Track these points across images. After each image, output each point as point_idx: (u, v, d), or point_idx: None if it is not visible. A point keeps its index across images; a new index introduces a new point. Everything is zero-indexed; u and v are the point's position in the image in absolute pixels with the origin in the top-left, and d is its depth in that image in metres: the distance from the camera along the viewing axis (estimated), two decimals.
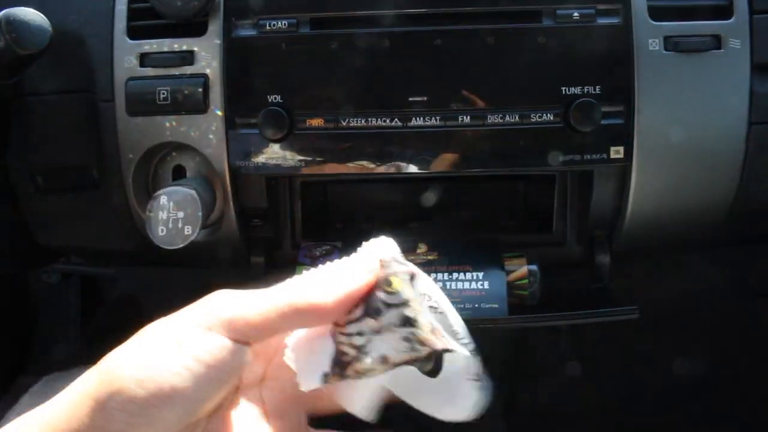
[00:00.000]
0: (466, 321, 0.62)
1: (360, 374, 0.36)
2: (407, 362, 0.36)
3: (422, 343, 0.36)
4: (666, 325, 1.27)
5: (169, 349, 0.34)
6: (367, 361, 0.36)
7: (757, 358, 1.23)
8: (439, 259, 0.68)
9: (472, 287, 0.65)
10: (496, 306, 0.64)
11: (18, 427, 0.34)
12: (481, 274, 0.66)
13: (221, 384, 0.34)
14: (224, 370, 0.34)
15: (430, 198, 0.76)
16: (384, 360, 0.36)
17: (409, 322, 0.36)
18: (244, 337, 0.35)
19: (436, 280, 0.65)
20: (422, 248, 0.69)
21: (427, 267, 0.67)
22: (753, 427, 1.20)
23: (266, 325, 0.35)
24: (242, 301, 0.35)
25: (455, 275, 0.66)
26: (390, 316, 0.36)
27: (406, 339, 0.36)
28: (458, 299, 0.65)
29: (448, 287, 0.65)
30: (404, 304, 0.36)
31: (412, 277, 0.38)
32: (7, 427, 0.34)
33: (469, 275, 0.66)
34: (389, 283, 0.37)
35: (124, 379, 0.32)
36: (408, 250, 0.68)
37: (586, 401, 1.26)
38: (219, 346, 0.34)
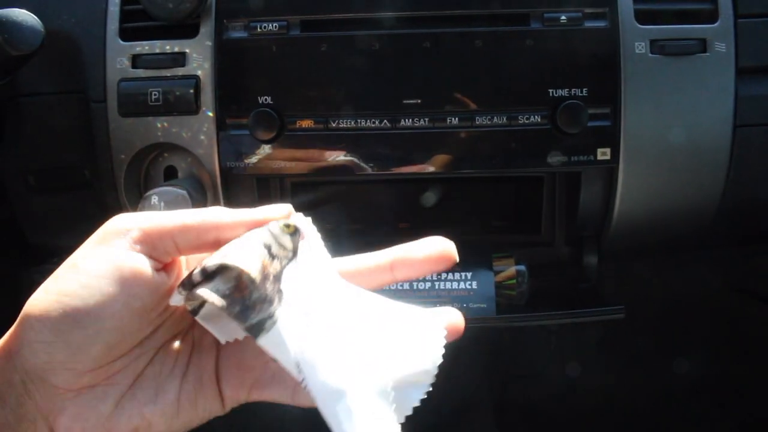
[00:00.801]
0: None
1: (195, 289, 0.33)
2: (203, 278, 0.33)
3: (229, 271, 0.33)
4: (658, 326, 1.28)
5: (67, 273, 0.33)
6: (196, 271, 0.34)
7: (748, 358, 1.24)
8: None
9: (460, 287, 0.66)
10: (484, 306, 0.65)
11: None
12: (469, 275, 0.66)
13: (128, 300, 0.33)
14: (128, 283, 0.33)
15: (419, 199, 0.76)
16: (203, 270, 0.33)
17: (257, 249, 0.34)
18: (145, 249, 0.34)
19: (424, 281, 0.66)
20: None
21: None
22: (745, 427, 1.21)
23: (164, 234, 0.34)
24: (143, 216, 0.35)
25: (444, 275, 0.66)
26: (251, 236, 0.34)
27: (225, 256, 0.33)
28: (447, 299, 0.65)
29: (436, 287, 0.66)
30: (274, 240, 0.35)
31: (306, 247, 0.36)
32: None
33: (457, 275, 0.66)
34: (287, 223, 0.36)
35: (35, 311, 0.32)
36: None
37: (577, 402, 1.26)
38: (115, 257, 0.33)
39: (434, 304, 0.64)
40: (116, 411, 0.35)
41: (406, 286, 0.66)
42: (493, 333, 1.15)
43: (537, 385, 1.28)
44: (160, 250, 0.34)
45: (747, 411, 1.22)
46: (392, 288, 0.65)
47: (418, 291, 0.66)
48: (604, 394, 1.25)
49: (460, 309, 0.63)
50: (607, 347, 1.25)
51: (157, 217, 0.35)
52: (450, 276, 0.67)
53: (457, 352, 1.11)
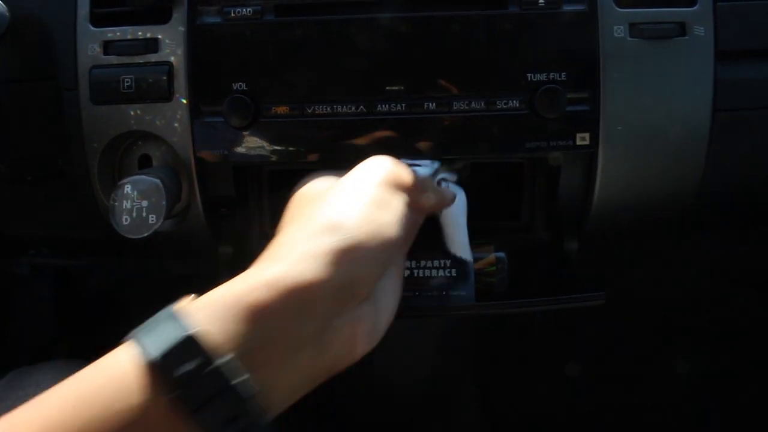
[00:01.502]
0: (434, 308, 0.63)
1: None
2: None
3: None
4: (641, 313, 1.28)
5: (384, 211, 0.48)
6: None
7: (734, 345, 1.25)
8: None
9: (440, 275, 0.65)
10: (464, 293, 0.64)
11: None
12: (448, 261, 0.66)
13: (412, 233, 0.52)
14: (413, 225, 0.51)
15: None
16: None
17: None
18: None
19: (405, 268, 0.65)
20: None
21: None
22: (738, 421, 1.22)
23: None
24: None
25: (423, 263, 0.66)
26: None
27: None
28: (426, 286, 0.65)
29: (415, 275, 0.65)
30: None
31: None
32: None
33: (437, 263, 0.66)
34: None
35: (361, 236, 0.45)
36: None
37: (561, 389, 1.27)
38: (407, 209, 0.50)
39: (413, 292, 0.63)
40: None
41: None
42: (475, 321, 1.14)
43: (521, 373, 1.28)
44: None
45: (736, 402, 1.23)
46: None
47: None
48: (585, 382, 1.26)
49: (440, 296, 0.63)
50: (588, 334, 1.26)
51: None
52: (429, 264, 0.66)
53: (440, 340, 1.12)
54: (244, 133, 0.64)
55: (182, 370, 0.38)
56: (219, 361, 0.39)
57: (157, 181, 0.62)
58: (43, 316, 1.17)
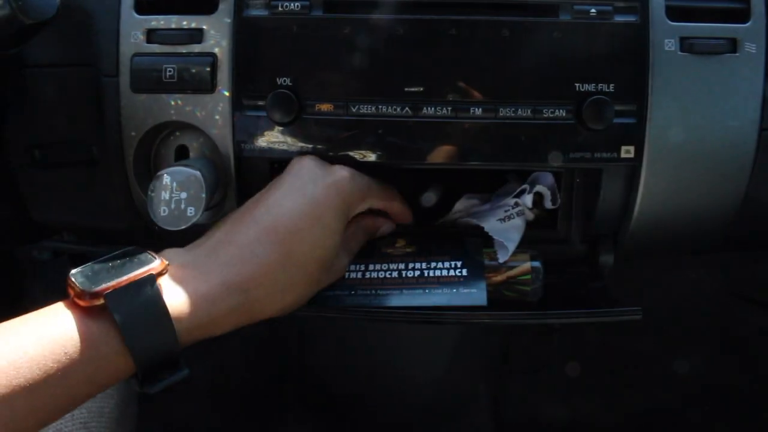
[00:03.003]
0: (448, 307, 0.63)
1: None
2: None
3: None
4: (656, 331, 1.27)
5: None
6: None
7: (745, 363, 1.24)
8: (417, 251, 0.68)
9: (450, 274, 0.65)
10: (474, 291, 0.64)
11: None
12: (459, 263, 0.66)
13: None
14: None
15: (434, 188, 0.75)
16: None
17: None
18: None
19: (414, 269, 0.65)
20: (401, 242, 0.69)
21: (406, 258, 0.67)
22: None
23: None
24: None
25: (433, 264, 0.66)
26: None
27: None
28: (436, 285, 0.64)
29: (426, 275, 0.65)
30: None
31: None
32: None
33: (447, 263, 0.66)
34: None
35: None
36: (386, 245, 0.69)
37: (576, 400, 1.26)
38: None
39: (423, 291, 0.63)
40: None
41: (395, 274, 0.66)
42: (497, 328, 1.14)
43: (536, 381, 1.27)
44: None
45: (744, 417, 1.22)
46: (381, 276, 0.66)
47: (407, 278, 0.65)
48: (602, 394, 1.25)
49: (450, 294, 0.63)
50: (606, 348, 1.25)
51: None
52: (440, 264, 0.66)
53: (457, 344, 1.11)
54: (286, 128, 0.63)
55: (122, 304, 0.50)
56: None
57: (197, 172, 0.61)
58: (57, 300, 1.16)
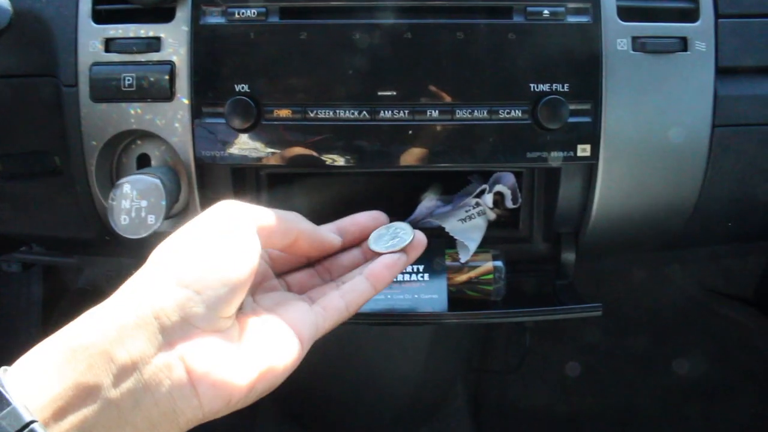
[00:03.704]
0: (409, 313, 0.63)
1: None
2: None
3: None
4: (631, 325, 1.29)
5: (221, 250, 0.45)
6: None
7: (720, 357, 1.26)
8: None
9: (412, 279, 0.66)
10: (435, 297, 0.65)
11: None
12: (421, 267, 0.66)
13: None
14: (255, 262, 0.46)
15: (395, 192, 0.76)
16: None
17: None
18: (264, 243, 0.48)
19: None
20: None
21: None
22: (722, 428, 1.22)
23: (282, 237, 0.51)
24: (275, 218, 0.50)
25: None
26: None
27: None
28: (398, 290, 0.65)
29: None
30: None
31: None
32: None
33: (409, 267, 0.66)
34: None
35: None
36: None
37: (550, 398, 1.27)
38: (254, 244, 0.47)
39: (385, 296, 0.64)
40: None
41: None
42: (468, 328, 1.14)
43: (511, 380, 1.28)
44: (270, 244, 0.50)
45: (725, 411, 1.24)
46: None
47: None
48: (579, 390, 1.26)
49: (411, 300, 0.64)
50: (580, 345, 1.26)
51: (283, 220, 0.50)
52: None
53: (433, 346, 1.11)
54: (245, 135, 0.64)
55: None
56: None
57: (157, 180, 0.61)
58: (30, 313, 1.16)
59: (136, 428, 0.40)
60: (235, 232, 0.46)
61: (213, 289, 0.43)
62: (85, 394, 0.39)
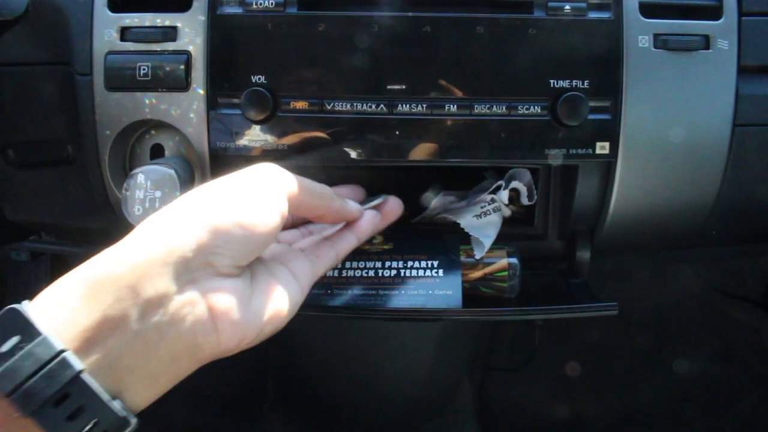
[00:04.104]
0: (423, 309, 0.63)
1: None
2: None
3: None
4: (640, 324, 1.28)
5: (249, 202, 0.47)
6: None
7: (729, 358, 1.25)
8: (395, 248, 0.68)
9: (426, 275, 0.65)
10: (450, 292, 0.64)
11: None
12: (435, 263, 0.66)
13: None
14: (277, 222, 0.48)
15: (409, 186, 0.75)
16: None
17: None
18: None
19: (390, 268, 0.66)
20: (378, 239, 0.69)
21: (382, 257, 0.67)
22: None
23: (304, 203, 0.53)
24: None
25: (410, 263, 0.66)
26: None
27: None
28: (412, 286, 0.65)
29: (402, 274, 0.65)
30: None
31: None
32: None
33: (423, 263, 0.66)
34: None
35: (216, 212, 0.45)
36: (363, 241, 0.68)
37: (558, 398, 1.26)
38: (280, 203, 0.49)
39: (399, 292, 0.63)
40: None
41: (371, 273, 0.66)
42: (476, 326, 1.14)
43: (516, 379, 1.27)
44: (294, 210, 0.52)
45: (730, 412, 1.23)
46: (357, 275, 0.66)
47: (383, 277, 0.65)
48: (586, 390, 1.26)
49: (426, 296, 0.63)
50: (586, 344, 1.26)
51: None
52: (416, 264, 0.66)
53: (440, 344, 1.11)
54: (261, 126, 0.63)
55: (19, 372, 0.38)
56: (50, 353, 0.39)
57: (171, 171, 0.60)
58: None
59: (161, 360, 0.42)
60: (267, 193, 0.48)
61: (238, 241, 0.45)
62: (113, 326, 0.40)
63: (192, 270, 0.43)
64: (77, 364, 0.39)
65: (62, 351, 0.39)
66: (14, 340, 0.39)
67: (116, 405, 0.40)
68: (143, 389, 0.42)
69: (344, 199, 0.59)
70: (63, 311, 0.40)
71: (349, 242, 0.60)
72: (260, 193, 0.48)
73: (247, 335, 0.46)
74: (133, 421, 0.41)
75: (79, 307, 0.40)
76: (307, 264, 0.54)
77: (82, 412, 0.39)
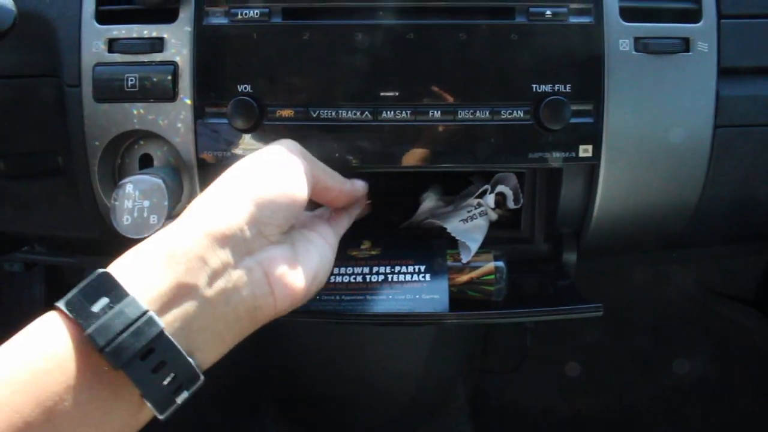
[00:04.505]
0: (410, 314, 0.63)
1: None
2: None
3: None
4: (632, 325, 1.29)
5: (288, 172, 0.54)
6: None
7: (721, 358, 1.26)
8: (382, 254, 0.69)
9: (413, 279, 0.66)
10: (437, 297, 0.65)
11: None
12: (422, 267, 0.66)
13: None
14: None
15: (396, 192, 0.76)
16: None
17: None
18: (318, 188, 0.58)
19: (378, 273, 0.67)
20: (366, 244, 0.70)
21: (370, 262, 0.68)
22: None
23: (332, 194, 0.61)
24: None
25: (397, 268, 0.67)
26: None
27: None
28: (399, 290, 0.65)
29: (389, 279, 0.66)
30: None
31: None
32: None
33: (411, 268, 0.67)
34: None
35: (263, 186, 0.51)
36: (352, 247, 0.69)
37: (551, 399, 1.27)
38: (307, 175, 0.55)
39: (387, 297, 0.64)
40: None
41: (359, 279, 0.67)
42: (469, 328, 1.15)
43: (511, 381, 1.28)
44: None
45: (725, 412, 1.24)
46: (345, 281, 0.67)
47: (371, 283, 0.66)
48: (577, 393, 1.26)
49: (413, 300, 0.64)
50: (580, 346, 1.26)
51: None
52: (403, 269, 0.67)
53: (434, 346, 1.11)
54: (248, 135, 0.64)
55: (111, 329, 0.43)
56: (135, 313, 0.43)
57: (159, 181, 0.61)
58: (32, 313, 1.16)
59: (227, 322, 0.48)
60: (298, 165, 0.54)
61: (281, 209, 0.51)
62: (185, 291, 0.46)
63: (247, 241, 0.49)
64: (160, 322, 0.44)
65: (146, 312, 0.44)
66: (104, 300, 0.44)
67: (191, 361, 0.45)
68: (211, 348, 0.48)
69: (352, 181, 0.63)
70: (142, 278, 0.45)
71: (356, 208, 0.66)
72: (293, 165, 0.54)
73: (298, 296, 0.52)
74: (202, 377, 0.46)
75: (156, 274, 0.45)
76: (329, 227, 0.61)
77: (163, 366, 0.44)
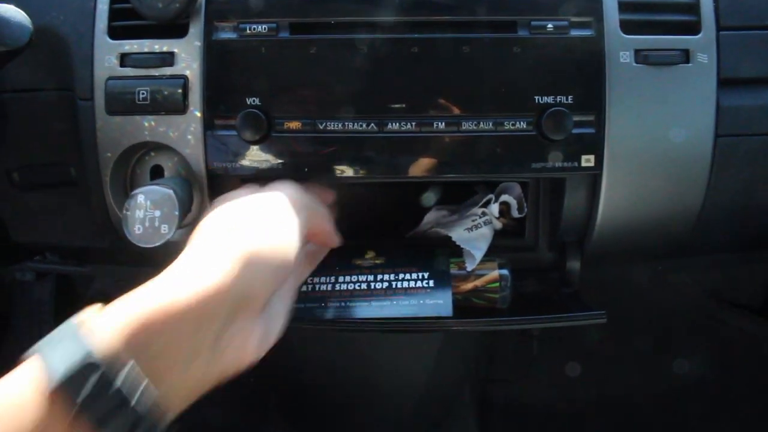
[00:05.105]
0: (414, 320, 0.65)
1: None
2: None
3: None
4: (637, 333, 1.29)
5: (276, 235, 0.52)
6: None
7: (726, 366, 1.26)
8: (386, 263, 0.70)
9: (417, 285, 0.67)
10: (441, 302, 0.66)
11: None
12: (426, 274, 0.67)
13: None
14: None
15: (402, 202, 0.77)
16: None
17: None
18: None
19: (382, 281, 0.68)
20: (370, 254, 0.71)
21: (375, 270, 0.69)
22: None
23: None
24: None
25: (401, 275, 0.68)
26: None
27: None
28: (403, 296, 0.66)
29: (393, 286, 0.67)
30: None
31: None
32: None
33: (414, 275, 0.68)
34: None
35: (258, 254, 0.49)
36: (356, 256, 0.70)
37: (557, 405, 1.27)
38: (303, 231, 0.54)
39: (391, 302, 0.65)
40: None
41: (364, 286, 0.68)
42: (475, 336, 1.15)
43: (517, 388, 1.28)
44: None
45: (729, 420, 1.24)
46: (350, 288, 0.68)
47: (375, 290, 0.67)
48: (584, 399, 1.26)
49: (417, 305, 0.65)
50: (586, 353, 1.27)
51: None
52: (407, 276, 0.68)
53: (440, 353, 1.12)
54: (256, 147, 0.65)
55: (84, 391, 0.40)
56: (119, 380, 0.41)
57: (170, 191, 0.62)
58: (43, 322, 1.18)
59: (198, 381, 0.47)
60: (290, 226, 0.53)
61: (272, 282, 0.50)
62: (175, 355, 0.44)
63: (235, 311, 0.47)
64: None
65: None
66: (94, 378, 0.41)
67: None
68: (182, 402, 0.47)
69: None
70: (120, 337, 0.43)
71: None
72: (287, 231, 0.52)
73: (265, 349, 0.51)
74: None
75: (134, 335, 0.43)
76: (302, 269, 0.61)
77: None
